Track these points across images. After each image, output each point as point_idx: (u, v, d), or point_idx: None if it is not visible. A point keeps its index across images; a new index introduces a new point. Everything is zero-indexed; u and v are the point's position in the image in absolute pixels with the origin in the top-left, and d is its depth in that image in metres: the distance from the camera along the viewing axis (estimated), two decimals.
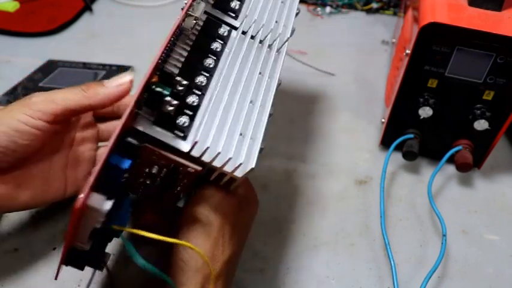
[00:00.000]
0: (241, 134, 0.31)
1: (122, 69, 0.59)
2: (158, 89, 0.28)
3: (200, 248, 0.31)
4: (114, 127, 0.26)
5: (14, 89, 0.56)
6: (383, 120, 0.50)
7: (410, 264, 0.41)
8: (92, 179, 0.24)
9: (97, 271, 0.39)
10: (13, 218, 0.43)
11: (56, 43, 0.66)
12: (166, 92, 0.29)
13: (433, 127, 0.47)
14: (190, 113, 0.30)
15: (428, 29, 0.40)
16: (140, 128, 0.28)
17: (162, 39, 0.30)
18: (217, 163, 0.29)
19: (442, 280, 0.40)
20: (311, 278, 0.40)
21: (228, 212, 0.33)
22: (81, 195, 0.24)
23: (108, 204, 0.25)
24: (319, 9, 0.72)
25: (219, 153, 0.29)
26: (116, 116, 0.42)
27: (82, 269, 0.30)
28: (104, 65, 0.60)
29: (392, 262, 0.39)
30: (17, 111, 0.33)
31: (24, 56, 0.63)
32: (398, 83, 0.45)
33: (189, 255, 0.32)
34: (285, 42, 0.38)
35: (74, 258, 0.29)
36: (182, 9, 0.33)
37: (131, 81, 0.34)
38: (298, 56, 0.62)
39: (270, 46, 0.37)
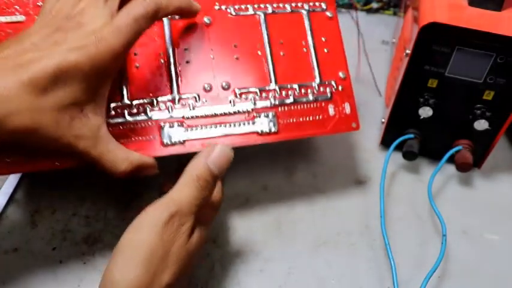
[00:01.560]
0: None
1: None
2: None
3: (132, 272, 0.29)
4: None
5: None
6: (383, 120, 0.50)
7: (410, 264, 0.41)
8: None
9: None
10: (13, 218, 0.43)
11: None
12: None
13: (433, 127, 0.47)
14: None
15: (428, 29, 0.40)
16: None
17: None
18: None
19: (442, 280, 0.40)
20: (311, 278, 0.40)
21: (170, 236, 0.31)
22: None
23: None
24: None
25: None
26: None
27: None
28: None
29: (392, 262, 0.39)
30: None
31: None
32: (398, 83, 0.45)
33: (120, 276, 0.29)
34: None
35: None
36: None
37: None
38: None
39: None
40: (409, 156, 0.47)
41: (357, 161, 0.50)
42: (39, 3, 0.38)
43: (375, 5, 0.72)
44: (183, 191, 0.32)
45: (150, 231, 0.30)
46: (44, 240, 0.42)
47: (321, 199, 0.46)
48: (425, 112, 0.45)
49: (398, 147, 0.47)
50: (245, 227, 0.44)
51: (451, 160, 0.46)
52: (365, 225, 0.44)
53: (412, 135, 0.47)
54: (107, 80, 0.33)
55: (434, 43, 0.41)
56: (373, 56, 0.63)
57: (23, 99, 0.29)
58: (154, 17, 0.34)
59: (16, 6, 0.37)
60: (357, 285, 0.40)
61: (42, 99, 0.29)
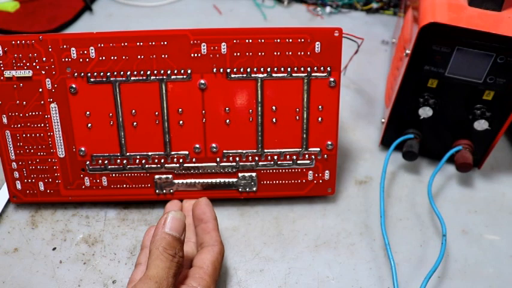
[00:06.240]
0: None
1: None
2: None
3: None
4: None
5: None
6: (383, 120, 0.50)
7: (410, 264, 0.41)
8: None
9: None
10: (13, 218, 0.43)
11: None
12: None
13: (433, 127, 0.47)
14: None
15: (428, 29, 0.41)
16: None
17: None
18: None
19: (442, 280, 0.40)
20: (311, 278, 0.40)
21: None
22: None
23: None
24: (319, 9, 0.72)
25: None
26: None
27: None
28: None
29: (392, 262, 0.39)
30: None
31: None
32: (398, 83, 0.45)
33: None
34: None
35: None
36: None
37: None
38: None
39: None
40: (409, 156, 0.47)
41: (357, 161, 0.50)
42: (44, 59, 0.39)
43: (374, 5, 0.72)
44: (157, 265, 0.32)
45: None
46: (44, 240, 0.42)
47: (320, 199, 0.46)
48: (425, 112, 0.45)
49: (398, 147, 0.47)
50: (245, 227, 0.44)
51: (451, 160, 0.46)
52: (365, 225, 0.44)
53: (412, 135, 0.47)
54: None
55: (434, 43, 0.41)
56: (373, 56, 0.63)
57: None
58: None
59: (24, 60, 0.40)
60: (357, 285, 0.40)
61: None
